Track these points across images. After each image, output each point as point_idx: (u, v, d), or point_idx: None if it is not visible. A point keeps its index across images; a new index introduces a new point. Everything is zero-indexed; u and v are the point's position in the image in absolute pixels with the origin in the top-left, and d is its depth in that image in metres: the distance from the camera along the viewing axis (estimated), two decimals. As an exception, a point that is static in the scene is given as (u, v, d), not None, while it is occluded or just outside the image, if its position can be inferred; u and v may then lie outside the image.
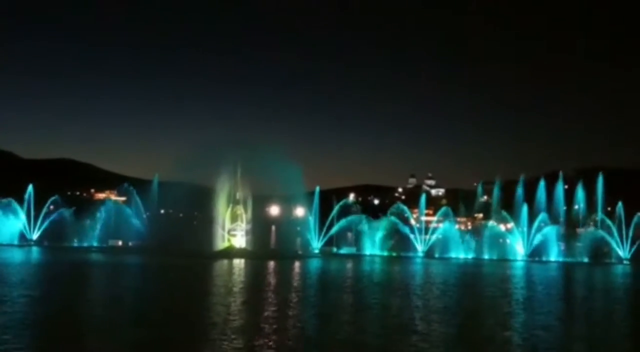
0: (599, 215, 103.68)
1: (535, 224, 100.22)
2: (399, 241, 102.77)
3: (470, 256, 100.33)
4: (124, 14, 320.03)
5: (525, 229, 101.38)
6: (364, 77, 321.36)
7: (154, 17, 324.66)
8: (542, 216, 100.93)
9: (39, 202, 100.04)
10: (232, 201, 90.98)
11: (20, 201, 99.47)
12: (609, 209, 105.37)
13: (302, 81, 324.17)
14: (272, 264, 69.45)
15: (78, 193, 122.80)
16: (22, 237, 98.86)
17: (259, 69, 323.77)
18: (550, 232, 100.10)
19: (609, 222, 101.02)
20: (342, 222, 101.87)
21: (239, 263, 70.05)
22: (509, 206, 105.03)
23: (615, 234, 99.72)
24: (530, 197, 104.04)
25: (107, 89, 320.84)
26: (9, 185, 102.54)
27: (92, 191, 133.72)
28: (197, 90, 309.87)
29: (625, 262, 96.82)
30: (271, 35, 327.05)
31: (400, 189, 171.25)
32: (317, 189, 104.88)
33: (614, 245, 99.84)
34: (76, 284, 41.32)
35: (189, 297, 34.83)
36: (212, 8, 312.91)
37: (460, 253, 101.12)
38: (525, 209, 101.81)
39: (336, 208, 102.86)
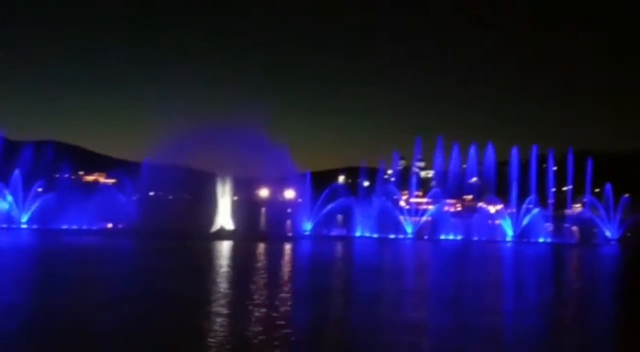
0: (587, 197, 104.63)
1: (524, 205, 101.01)
2: (388, 223, 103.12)
3: (459, 237, 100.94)
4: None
5: (514, 210, 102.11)
6: (351, 57, 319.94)
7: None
8: (531, 197, 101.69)
9: (27, 184, 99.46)
10: (222, 184, 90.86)
11: (7, 183, 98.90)
12: (597, 190, 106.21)
13: (290, 63, 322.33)
14: (261, 245, 69.57)
15: (67, 175, 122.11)
16: (10, 219, 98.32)
17: (246, 49, 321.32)
18: (539, 213, 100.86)
19: (596, 204, 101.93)
20: (332, 204, 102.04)
21: (228, 245, 70.16)
22: (498, 188, 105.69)
23: (604, 215, 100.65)
24: (520, 179, 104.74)
25: (95, 70, 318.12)
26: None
27: (81, 173, 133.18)
28: (186, 72, 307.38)
29: (612, 243, 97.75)
30: (258, 13, 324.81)
31: (389, 171, 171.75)
32: (308, 172, 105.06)
33: (601, 226, 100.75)
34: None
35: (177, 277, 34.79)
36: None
37: (450, 235, 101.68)
38: (515, 190, 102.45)
39: (326, 190, 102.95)
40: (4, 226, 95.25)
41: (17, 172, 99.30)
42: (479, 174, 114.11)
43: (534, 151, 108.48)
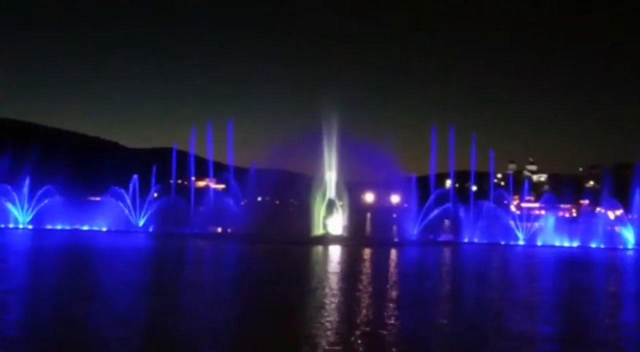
0: None
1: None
2: (498, 229, 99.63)
3: (576, 244, 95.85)
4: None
5: (637, 216, 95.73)
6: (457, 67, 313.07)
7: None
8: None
9: (144, 190, 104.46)
10: (327, 189, 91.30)
11: (126, 190, 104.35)
12: None
13: (394, 66, 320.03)
14: (367, 251, 68.94)
15: (180, 181, 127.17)
16: (128, 223, 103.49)
17: (355, 55, 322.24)
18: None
19: None
20: (439, 209, 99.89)
21: (334, 250, 70.10)
22: (617, 192, 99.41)
23: None
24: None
25: (208, 77, 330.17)
26: (116, 174, 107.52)
27: (193, 179, 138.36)
28: (283, 78, 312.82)
29: None
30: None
31: (499, 175, 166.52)
32: (414, 176, 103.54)
33: None
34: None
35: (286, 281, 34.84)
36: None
37: (565, 241, 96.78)
38: (637, 194, 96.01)
39: (433, 195, 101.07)
40: (122, 229, 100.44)
41: (135, 178, 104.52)
42: (597, 178, 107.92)
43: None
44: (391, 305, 25.80)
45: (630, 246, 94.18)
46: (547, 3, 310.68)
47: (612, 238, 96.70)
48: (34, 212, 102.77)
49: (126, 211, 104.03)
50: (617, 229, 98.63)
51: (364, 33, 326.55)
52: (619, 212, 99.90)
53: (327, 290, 29.94)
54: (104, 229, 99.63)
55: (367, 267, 49.16)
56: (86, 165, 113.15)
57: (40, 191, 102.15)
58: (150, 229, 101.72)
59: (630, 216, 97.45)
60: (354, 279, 36.31)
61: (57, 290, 27.68)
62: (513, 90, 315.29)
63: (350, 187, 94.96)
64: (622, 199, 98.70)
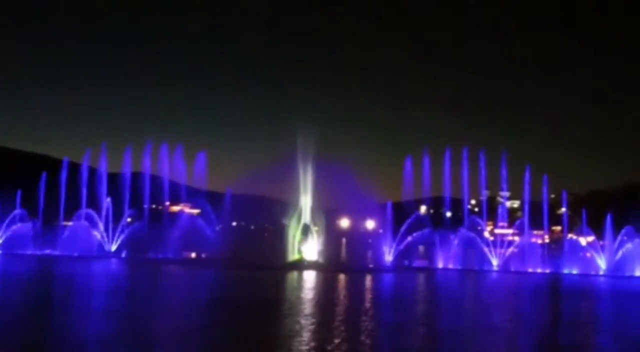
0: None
1: (619, 237, 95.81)
2: (472, 255, 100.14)
3: (548, 270, 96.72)
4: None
5: (608, 242, 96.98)
6: (431, 92, 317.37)
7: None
8: (626, 229, 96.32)
9: (116, 215, 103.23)
10: (303, 214, 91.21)
11: (98, 214, 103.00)
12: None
13: (369, 90, 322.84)
14: (342, 277, 68.70)
15: (154, 206, 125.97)
16: (100, 248, 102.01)
17: (313, 79, 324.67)
18: (635, 246, 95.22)
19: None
20: (414, 235, 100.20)
21: (309, 275, 69.75)
22: (589, 219, 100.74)
23: None
24: (614, 210, 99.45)
25: (179, 103, 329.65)
26: (87, 198, 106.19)
27: (167, 203, 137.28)
28: (264, 103, 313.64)
29: None
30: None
31: (473, 201, 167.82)
32: (389, 202, 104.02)
33: None
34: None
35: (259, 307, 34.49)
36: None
37: (538, 267, 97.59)
38: (609, 221, 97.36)
39: (407, 221, 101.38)
40: (95, 254, 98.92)
41: (108, 201, 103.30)
42: (568, 205, 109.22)
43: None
44: (358, 334, 25.63)
45: (601, 272, 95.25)
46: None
47: (585, 264, 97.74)
48: (3, 237, 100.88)
49: (98, 236, 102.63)
50: (589, 255, 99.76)
51: (341, 57, 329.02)
52: (590, 238, 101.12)
53: (297, 317, 29.67)
54: (75, 254, 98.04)
55: (341, 294, 48.95)
56: (59, 189, 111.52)
57: (10, 216, 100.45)
58: (123, 255, 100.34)
59: (602, 243, 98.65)
60: (326, 307, 36.08)
61: None
62: (490, 115, 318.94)
63: (326, 212, 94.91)
64: (595, 225, 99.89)
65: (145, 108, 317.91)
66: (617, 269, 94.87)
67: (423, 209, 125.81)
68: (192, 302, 37.24)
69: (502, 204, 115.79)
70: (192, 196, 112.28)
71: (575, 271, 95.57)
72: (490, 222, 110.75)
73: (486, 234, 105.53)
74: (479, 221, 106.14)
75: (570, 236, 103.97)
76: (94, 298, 37.90)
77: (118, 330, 24.97)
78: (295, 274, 71.77)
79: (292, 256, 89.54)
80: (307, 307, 35.35)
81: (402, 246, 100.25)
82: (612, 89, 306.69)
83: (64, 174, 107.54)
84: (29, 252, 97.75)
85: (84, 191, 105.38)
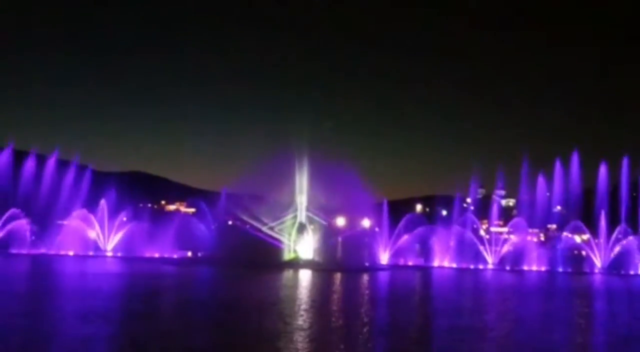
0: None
1: (614, 234, 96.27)
2: (468, 253, 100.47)
3: (543, 268, 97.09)
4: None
5: (603, 240, 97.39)
6: (428, 92, 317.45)
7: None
8: (621, 226, 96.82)
9: (112, 214, 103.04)
10: (299, 212, 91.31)
11: (95, 213, 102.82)
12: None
13: (368, 87, 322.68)
14: (338, 276, 68.86)
15: (150, 205, 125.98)
16: (96, 247, 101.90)
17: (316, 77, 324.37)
18: (631, 243, 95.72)
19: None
20: (409, 234, 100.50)
21: (304, 274, 69.88)
22: (586, 216, 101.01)
23: None
24: (609, 207, 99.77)
25: (177, 103, 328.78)
26: (85, 197, 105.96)
27: (163, 202, 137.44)
28: (261, 102, 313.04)
29: None
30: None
31: (468, 200, 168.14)
32: (385, 201, 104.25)
33: None
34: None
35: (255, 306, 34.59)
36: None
37: (533, 265, 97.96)
38: (603, 219, 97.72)
39: (403, 220, 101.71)
40: (91, 253, 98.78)
41: (103, 202, 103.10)
42: (565, 202, 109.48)
43: (623, 176, 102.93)
44: (354, 334, 25.76)
45: (596, 270, 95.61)
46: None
47: (579, 262, 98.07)
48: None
49: (94, 235, 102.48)
50: (583, 253, 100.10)
51: (333, 55, 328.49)
52: (585, 236, 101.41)
53: (285, 318, 29.78)
54: (71, 253, 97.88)
55: (337, 293, 49.10)
56: (53, 188, 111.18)
57: (6, 215, 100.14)
58: (119, 254, 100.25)
59: (596, 241, 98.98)
60: (323, 307, 36.22)
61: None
62: (481, 114, 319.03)
63: (322, 210, 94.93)
64: (589, 223, 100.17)
65: (145, 108, 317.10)
66: (612, 267, 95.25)
67: (419, 207, 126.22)
68: (180, 302, 37.25)
69: (497, 202, 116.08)
70: (188, 194, 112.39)
71: (569, 269, 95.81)
72: (485, 221, 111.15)
73: (482, 232, 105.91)
74: (473, 218, 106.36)
75: (565, 234, 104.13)
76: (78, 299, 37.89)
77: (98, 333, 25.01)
78: (290, 273, 71.90)
79: (288, 255, 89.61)
80: (300, 307, 35.46)
81: (397, 245, 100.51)
82: None
83: (49, 170, 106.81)
84: (24, 251, 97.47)
85: (84, 190, 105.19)
